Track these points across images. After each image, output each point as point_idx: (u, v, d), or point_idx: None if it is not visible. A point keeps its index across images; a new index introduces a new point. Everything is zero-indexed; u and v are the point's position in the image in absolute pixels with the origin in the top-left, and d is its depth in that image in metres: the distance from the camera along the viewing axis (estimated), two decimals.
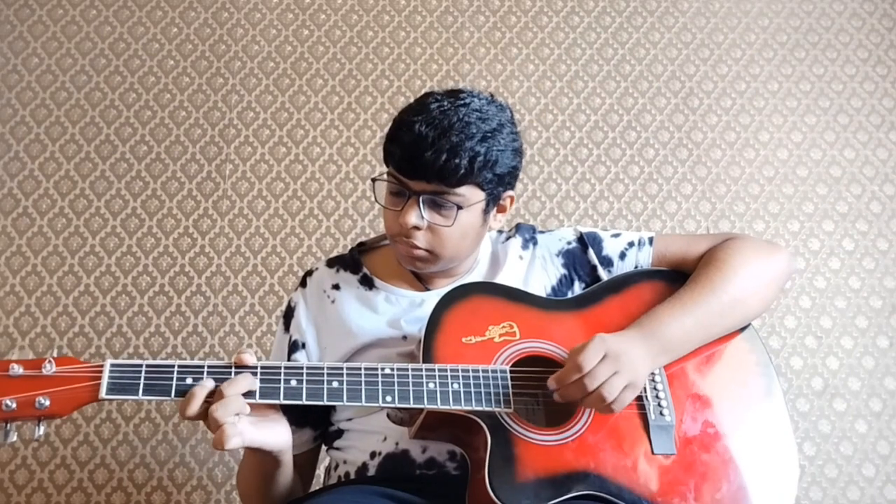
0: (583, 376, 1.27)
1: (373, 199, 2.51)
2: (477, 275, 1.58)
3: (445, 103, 1.41)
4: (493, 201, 1.48)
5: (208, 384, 1.23)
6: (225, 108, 2.60)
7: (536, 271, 1.58)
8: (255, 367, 1.26)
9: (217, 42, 2.68)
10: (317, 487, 1.60)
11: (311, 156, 2.56)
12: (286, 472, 1.41)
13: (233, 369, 1.26)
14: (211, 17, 2.72)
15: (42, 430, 1.20)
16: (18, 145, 2.51)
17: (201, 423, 2.22)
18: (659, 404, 1.40)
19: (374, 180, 1.50)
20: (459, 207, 1.41)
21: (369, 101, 2.65)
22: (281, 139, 2.58)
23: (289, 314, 1.59)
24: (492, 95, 1.49)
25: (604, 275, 1.57)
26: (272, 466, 1.38)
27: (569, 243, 1.62)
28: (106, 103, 2.58)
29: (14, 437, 1.18)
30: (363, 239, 1.74)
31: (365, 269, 1.59)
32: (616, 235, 1.62)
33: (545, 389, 1.34)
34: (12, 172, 2.47)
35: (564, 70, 2.74)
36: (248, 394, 1.25)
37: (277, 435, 1.31)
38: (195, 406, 1.22)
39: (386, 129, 2.54)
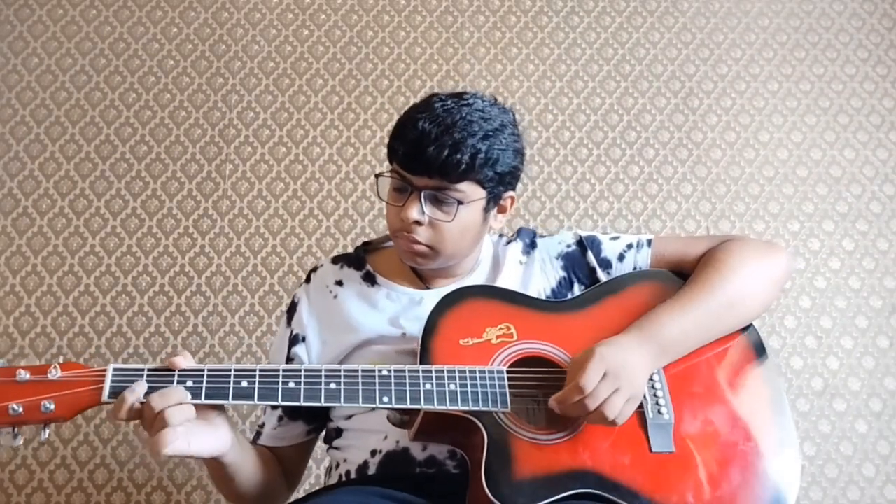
0: (584, 397, 1.27)
1: (373, 198, 2.52)
2: (478, 276, 1.59)
3: (449, 102, 1.45)
4: (494, 200, 1.50)
5: (140, 389, 1.22)
6: (225, 108, 2.60)
7: (536, 274, 1.59)
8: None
9: (217, 42, 2.69)
10: (318, 488, 1.60)
11: (311, 156, 2.57)
12: (242, 472, 1.40)
13: (232, 375, 1.26)
14: (211, 17, 2.72)
15: (47, 433, 1.22)
16: (18, 145, 2.51)
17: None
18: (657, 403, 1.40)
19: (377, 176, 1.52)
20: (460, 203, 1.44)
21: (369, 101, 2.65)
22: (281, 139, 2.58)
23: (292, 309, 1.61)
24: (495, 98, 1.52)
25: (602, 277, 1.58)
26: (217, 470, 1.38)
27: (568, 246, 1.63)
28: (106, 103, 2.58)
29: (21, 441, 1.21)
30: (368, 238, 1.75)
31: (368, 267, 1.62)
32: (615, 238, 1.63)
33: (544, 390, 1.34)
34: (12, 172, 2.48)
35: (564, 70, 2.74)
36: (245, 395, 1.26)
37: (213, 441, 1.29)
38: (125, 410, 1.21)
39: (386, 129, 2.59)
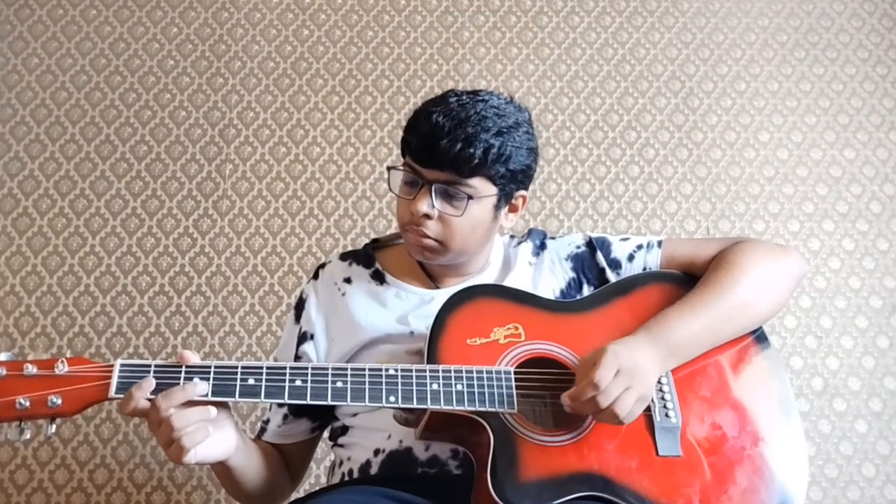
0: (597, 394, 1.27)
1: (373, 198, 2.51)
2: (488, 276, 1.59)
3: (465, 98, 1.45)
4: (505, 199, 1.50)
5: (147, 385, 1.23)
6: (225, 108, 2.60)
7: (545, 274, 1.59)
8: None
9: (217, 42, 2.68)
10: (318, 487, 1.60)
11: (311, 156, 2.56)
12: (247, 472, 1.42)
13: (239, 373, 1.27)
14: (211, 17, 2.71)
15: (53, 428, 1.22)
16: (18, 145, 2.50)
17: None
18: (665, 406, 1.39)
19: (389, 168, 1.51)
20: (470, 198, 1.43)
21: (369, 101, 2.65)
22: (281, 139, 2.57)
23: (300, 305, 1.61)
24: (511, 97, 1.52)
25: (612, 277, 1.58)
26: (222, 472, 1.40)
27: (578, 247, 1.62)
28: (106, 103, 2.58)
29: (28, 436, 1.21)
30: (368, 238, 1.74)
31: (377, 265, 1.61)
32: (625, 239, 1.63)
33: (551, 391, 1.34)
34: (12, 172, 2.47)
35: (564, 70, 2.74)
36: (251, 393, 1.26)
37: (219, 446, 1.30)
38: (132, 407, 1.22)
39: (386, 129, 2.59)
